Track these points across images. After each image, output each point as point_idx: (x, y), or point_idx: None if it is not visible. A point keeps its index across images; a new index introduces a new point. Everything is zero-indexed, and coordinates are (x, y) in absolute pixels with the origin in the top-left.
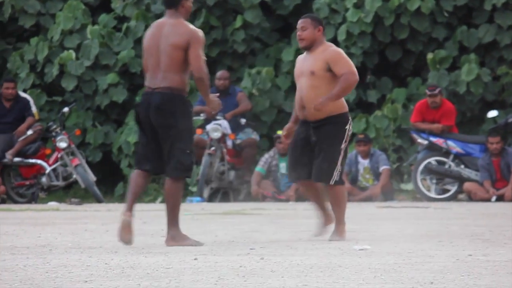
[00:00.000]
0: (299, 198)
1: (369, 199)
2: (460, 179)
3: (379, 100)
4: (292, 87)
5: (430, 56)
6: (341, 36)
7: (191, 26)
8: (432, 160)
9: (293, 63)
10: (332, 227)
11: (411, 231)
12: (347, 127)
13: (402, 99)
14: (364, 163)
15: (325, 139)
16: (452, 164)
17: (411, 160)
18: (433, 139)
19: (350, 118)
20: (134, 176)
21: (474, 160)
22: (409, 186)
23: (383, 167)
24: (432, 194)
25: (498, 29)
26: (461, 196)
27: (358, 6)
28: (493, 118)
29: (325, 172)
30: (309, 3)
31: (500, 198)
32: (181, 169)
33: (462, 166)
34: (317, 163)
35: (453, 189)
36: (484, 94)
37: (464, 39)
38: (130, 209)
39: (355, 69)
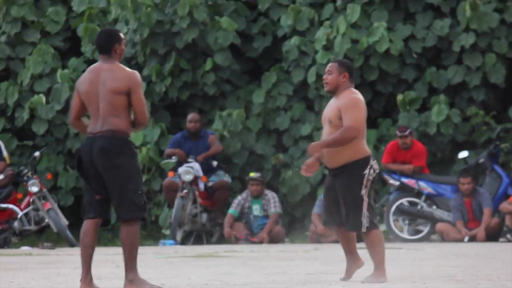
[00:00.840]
0: (272, 240)
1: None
2: (433, 220)
3: None
4: (263, 129)
5: (400, 97)
6: (311, 78)
7: (128, 70)
8: (404, 201)
9: (263, 105)
10: (356, 272)
11: (387, 273)
12: (365, 171)
13: (373, 140)
14: None
15: (345, 189)
16: (424, 205)
17: (383, 201)
18: (404, 180)
19: (370, 161)
20: (82, 234)
21: (446, 201)
22: (382, 227)
23: None
24: (405, 235)
25: (467, 70)
26: (433, 236)
27: (328, 48)
28: (464, 159)
29: (353, 221)
30: (279, 45)
31: (473, 239)
32: (135, 210)
33: (434, 207)
34: (344, 213)
35: (425, 229)
36: (454, 134)
37: (434, 80)
38: (86, 276)
39: (358, 125)
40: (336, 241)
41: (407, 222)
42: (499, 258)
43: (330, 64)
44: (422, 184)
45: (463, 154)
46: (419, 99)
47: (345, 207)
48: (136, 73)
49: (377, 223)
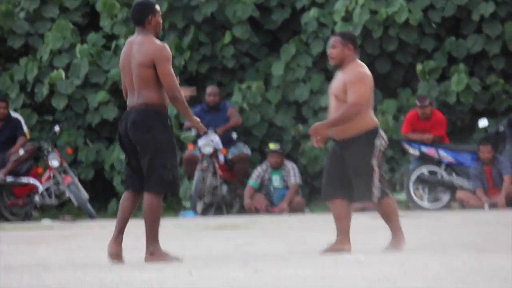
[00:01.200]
0: (292, 210)
1: (363, 209)
2: (453, 188)
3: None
4: (283, 101)
5: (419, 67)
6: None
7: (157, 43)
8: (424, 170)
9: (282, 77)
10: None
11: (406, 239)
12: (377, 142)
13: (393, 110)
14: None
15: (356, 160)
16: (444, 174)
17: (403, 170)
18: (424, 149)
19: (379, 131)
20: (122, 200)
21: (465, 169)
22: (402, 196)
23: None
24: (425, 204)
25: (487, 39)
26: (453, 204)
27: (347, 19)
28: (484, 128)
29: (364, 191)
30: (297, 18)
31: (493, 206)
32: (161, 184)
33: (454, 175)
34: (354, 184)
35: (445, 198)
36: (474, 103)
37: (453, 49)
38: (117, 236)
39: (362, 100)
40: (360, 210)
41: (427, 190)
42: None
43: (333, 38)
44: (442, 153)
45: (483, 122)
46: (438, 68)
47: (355, 178)
48: (163, 46)
49: (388, 192)
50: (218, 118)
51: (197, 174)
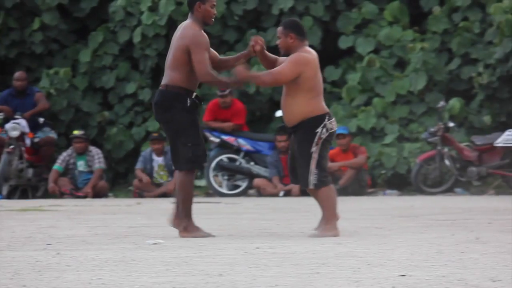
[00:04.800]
0: (96, 195)
1: (164, 195)
2: (251, 175)
3: None
4: (89, 87)
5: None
6: (137, 39)
7: (194, 30)
8: (224, 157)
9: (90, 64)
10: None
11: (203, 225)
12: (318, 130)
13: None
14: (158, 160)
15: (297, 145)
16: (243, 161)
17: None
18: (224, 137)
19: (325, 120)
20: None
21: (263, 157)
22: (202, 182)
23: None
24: (224, 190)
25: None
26: (251, 191)
27: (153, 9)
28: (281, 117)
29: (302, 178)
30: (105, 6)
31: (288, 193)
32: (185, 162)
33: (252, 163)
34: (297, 169)
35: (243, 185)
36: (272, 94)
37: None
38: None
39: (280, 77)
40: (160, 196)
41: (226, 177)
42: (311, 211)
43: (277, 29)
44: (241, 141)
45: (280, 113)
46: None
47: (297, 163)
48: (199, 34)
49: (326, 181)
50: (25, 103)
51: (3, 157)
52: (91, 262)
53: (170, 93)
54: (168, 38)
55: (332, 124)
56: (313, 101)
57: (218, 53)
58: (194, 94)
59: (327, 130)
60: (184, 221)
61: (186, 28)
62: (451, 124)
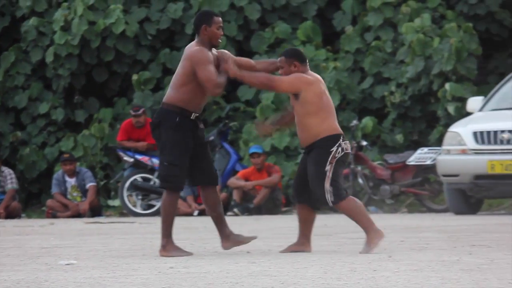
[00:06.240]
0: (9, 215)
1: (78, 215)
2: None
3: (87, 119)
4: (2, 107)
5: (135, 77)
6: (49, 58)
7: (192, 48)
8: (138, 177)
9: (2, 83)
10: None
11: (117, 245)
12: (333, 149)
13: (109, 118)
14: (71, 181)
15: (311, 165)
16: (157, 181)
17: (118, 177)
18: (138, 156)
19: (340, 140)
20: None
21: None
22: (116, 202)
23: (90, 184)
24: (138, 210)
25: None
26: None
27: (65, 29)
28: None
29: (319, 199)
30: (17, 25)
31: (202, 213)
32: (161, 180)
33: None
34: (311, 190)
35: (157, 204)
36: None
37: (167, 61)
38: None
39: (276, 82)
40: (72, 216)
41: (140, 197)
42: None
43: (279, 59)
44: (155, 160)
45: None
46: (153, 79)
47: (310, 183)
48: (198, 50)
49: (342, 194)
50: None
51: None
52: (3, 283)
53: (163, 110)
54: (81, 57)
55: (347, 145)
56: (326, 122)
57: (131, 73)
58: (194, 115)
59: (342, 150)
60: (163, 240)
61: (188, 49)
62: (364, 143)
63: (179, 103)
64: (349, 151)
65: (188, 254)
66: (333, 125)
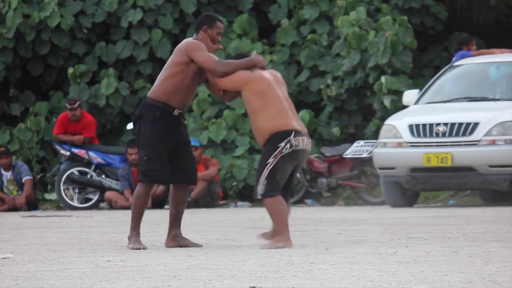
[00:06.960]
0: None
1: (14, 209)
2: (102, 188)
3: (22, 113)
4: None
5: (70, 70)
6: None
7: (189, 39)
8: (75, 170)
9: None
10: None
11: (53, 239)
12: (281, 144)
13: (45, 112)
14: (7, 175)
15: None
16: (94, 174)
17: (54, 170)
18: (75, 150)
19: (291, 137)
20: None
21: (114, 170)
22: (52, 196)
23: (26, 178)
24: (75, 203)
25: (135, 45)
26: (102, 204)
27: (0, 22)
28: (132, 130)
29: (255, 187)
30: None
31: None
32: (140, 173)
33: (103, 176)
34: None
35: (95, 198)
36: (123, 107)
37: (103, 54)
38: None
39: (225, 67)
40: (9, 210)
41: (77, 190)
42: (162, 224)
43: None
44: (92, 154)
45: (131, 125)
46: (89, 72)
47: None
48: (192, 40)
49: (272, 193)
50: None
51: None
52: None
53: (145, 104)
54: (16, 50)
55: (298, 141)
56: (275, 119)
57: (66, 66)
58: (177, 111)
59: (290, 146)
60: (130, 231)
61: (182, 42)
62: None
63: (161, 97)
64: (300, 147)
65: (144, 247)
66: (283, 121)
